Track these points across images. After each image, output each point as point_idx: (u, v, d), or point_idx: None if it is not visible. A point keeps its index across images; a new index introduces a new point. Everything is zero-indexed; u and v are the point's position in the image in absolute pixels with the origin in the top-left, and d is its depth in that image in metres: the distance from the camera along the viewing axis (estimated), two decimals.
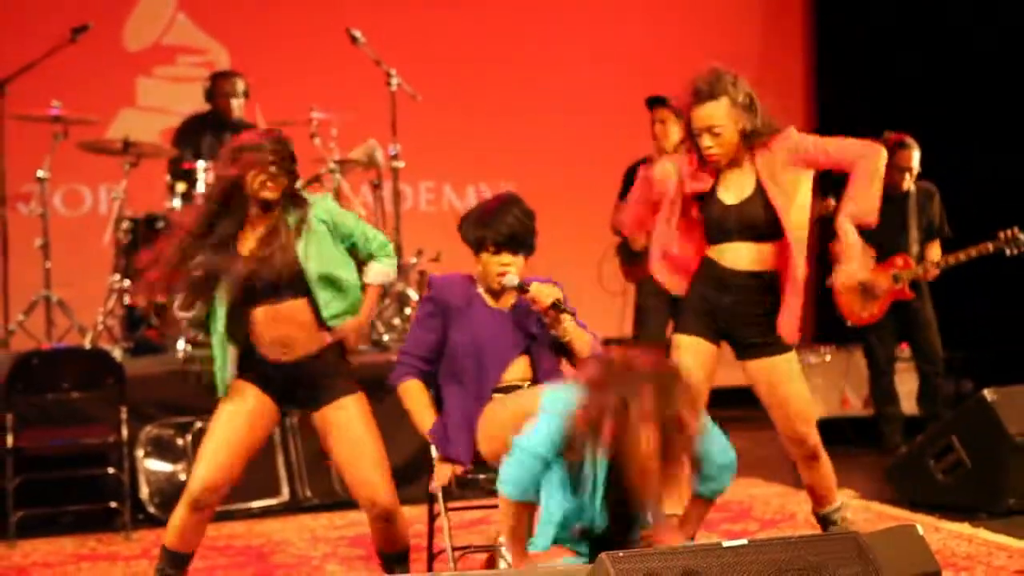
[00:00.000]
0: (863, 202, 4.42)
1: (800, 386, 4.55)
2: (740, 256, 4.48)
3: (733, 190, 4.48)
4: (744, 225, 4.45)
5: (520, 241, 4.28)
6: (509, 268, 4.25)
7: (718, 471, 3.60)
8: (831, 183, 6.55)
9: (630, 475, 3.19)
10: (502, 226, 4.25)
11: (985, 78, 8.40)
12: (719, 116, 4.38)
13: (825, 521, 4.67)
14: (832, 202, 6.17)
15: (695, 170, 4.53)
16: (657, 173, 4.58)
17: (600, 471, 3.30)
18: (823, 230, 8.84)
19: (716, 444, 3.55)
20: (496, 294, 4.35)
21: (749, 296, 4.48)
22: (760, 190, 4.44)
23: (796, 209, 4.44)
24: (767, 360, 4.50)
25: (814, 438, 4.55)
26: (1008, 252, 6.69)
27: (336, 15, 8.09)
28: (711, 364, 4.54)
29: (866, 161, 4.42)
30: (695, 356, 4.47)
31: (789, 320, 4.45)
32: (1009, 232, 6.68)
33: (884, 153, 4.46)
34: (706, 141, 4.41)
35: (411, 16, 8.84)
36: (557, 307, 4.15)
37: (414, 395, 4.27)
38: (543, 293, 4.18)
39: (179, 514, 4.29)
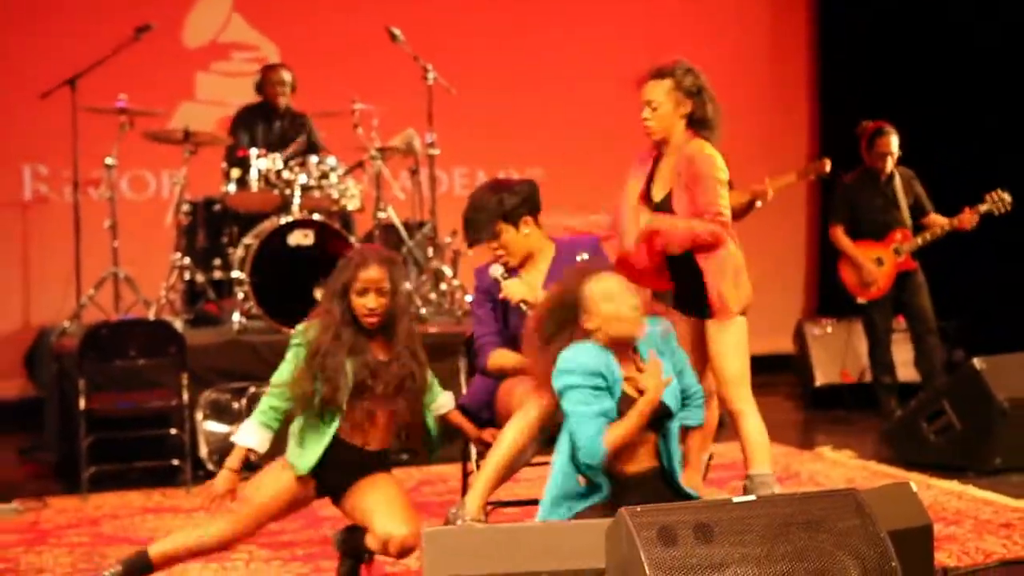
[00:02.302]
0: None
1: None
2: None
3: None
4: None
5: (475, 231, 4.27)
6: (499, 252, 4.25)
7: (698, 400, 3.89)
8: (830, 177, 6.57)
9: None
10: (465, 224, 4.31)
11: (986, 74, 8.28)
12: (658, 93, 4.26)
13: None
14: (828, 162, 6.02)
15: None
16: None
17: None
18: (823, 199, 8.81)
19: (689, 376, 3.87)
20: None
21: None
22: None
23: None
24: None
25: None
26: (996, 212, 6.67)
27: (376, 14, 8.08)
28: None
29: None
30: None
31: None
32: (995, 193, 6.67)
33: (707, 235, 4.20)
34: (645, 113, 4.31)
35: (446, 10, 8.81)
36: (527, 305, 4.11)
37: (506, 355, 4.22)
38: (512, 291, 4.16)
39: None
